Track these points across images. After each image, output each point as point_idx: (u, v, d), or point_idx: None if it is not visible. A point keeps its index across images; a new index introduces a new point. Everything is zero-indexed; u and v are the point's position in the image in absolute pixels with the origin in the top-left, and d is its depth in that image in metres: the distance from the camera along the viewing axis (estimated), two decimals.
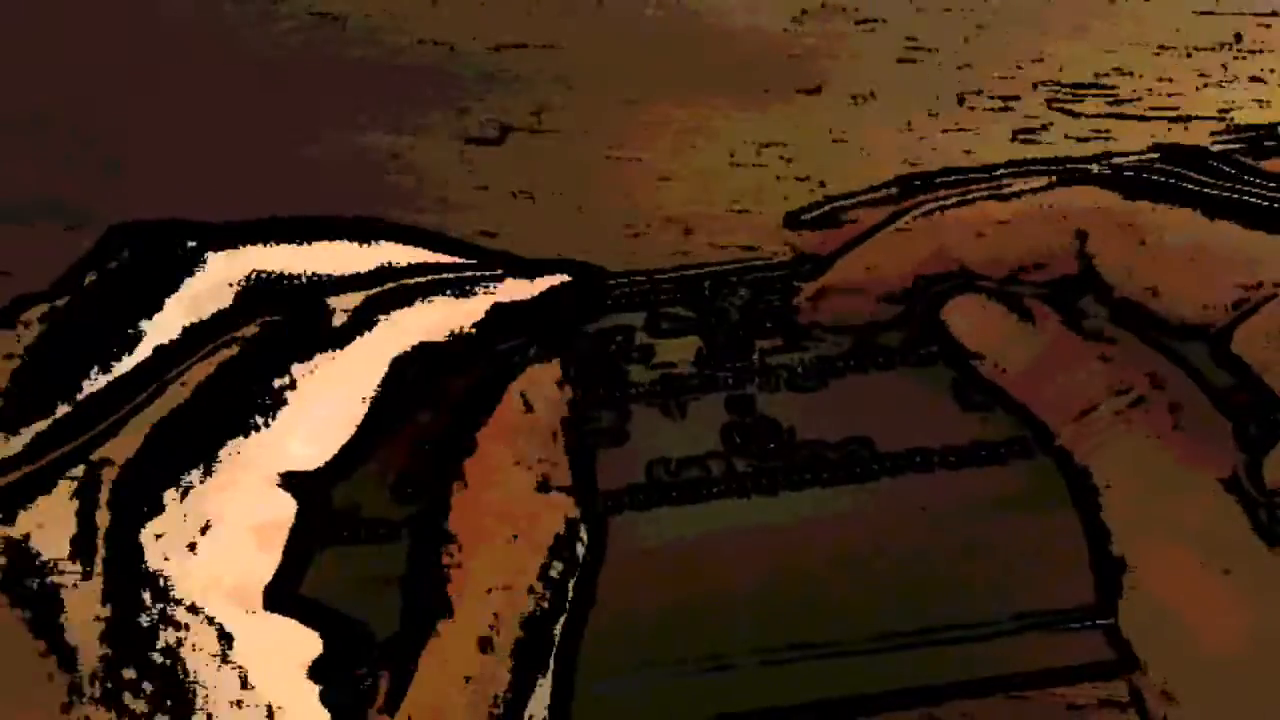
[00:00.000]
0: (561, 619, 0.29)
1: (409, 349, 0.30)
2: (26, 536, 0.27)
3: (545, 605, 0.28)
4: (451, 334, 0.30)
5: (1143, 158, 0.32)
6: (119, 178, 0.54)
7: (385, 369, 0.29)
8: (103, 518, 0.27)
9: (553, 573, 0.29)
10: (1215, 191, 0.30)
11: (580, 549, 0.29)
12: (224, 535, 0.27)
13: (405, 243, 0.31)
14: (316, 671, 0.28)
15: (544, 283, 0.31)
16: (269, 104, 0.56)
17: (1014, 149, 0.54)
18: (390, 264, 0.31)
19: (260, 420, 0.28)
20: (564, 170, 0.55)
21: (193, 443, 0.28)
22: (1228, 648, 0.28)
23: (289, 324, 0.29)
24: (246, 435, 0.28)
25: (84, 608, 0.26)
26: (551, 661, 0.28)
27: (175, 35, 0.57)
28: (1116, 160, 0.33)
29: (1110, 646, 0.31)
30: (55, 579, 0.27)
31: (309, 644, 0.28)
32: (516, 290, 0.31)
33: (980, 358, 0.31)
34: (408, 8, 0.57)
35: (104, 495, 0.27)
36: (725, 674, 0.32)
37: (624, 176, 0.54)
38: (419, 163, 0.55)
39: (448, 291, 0.30)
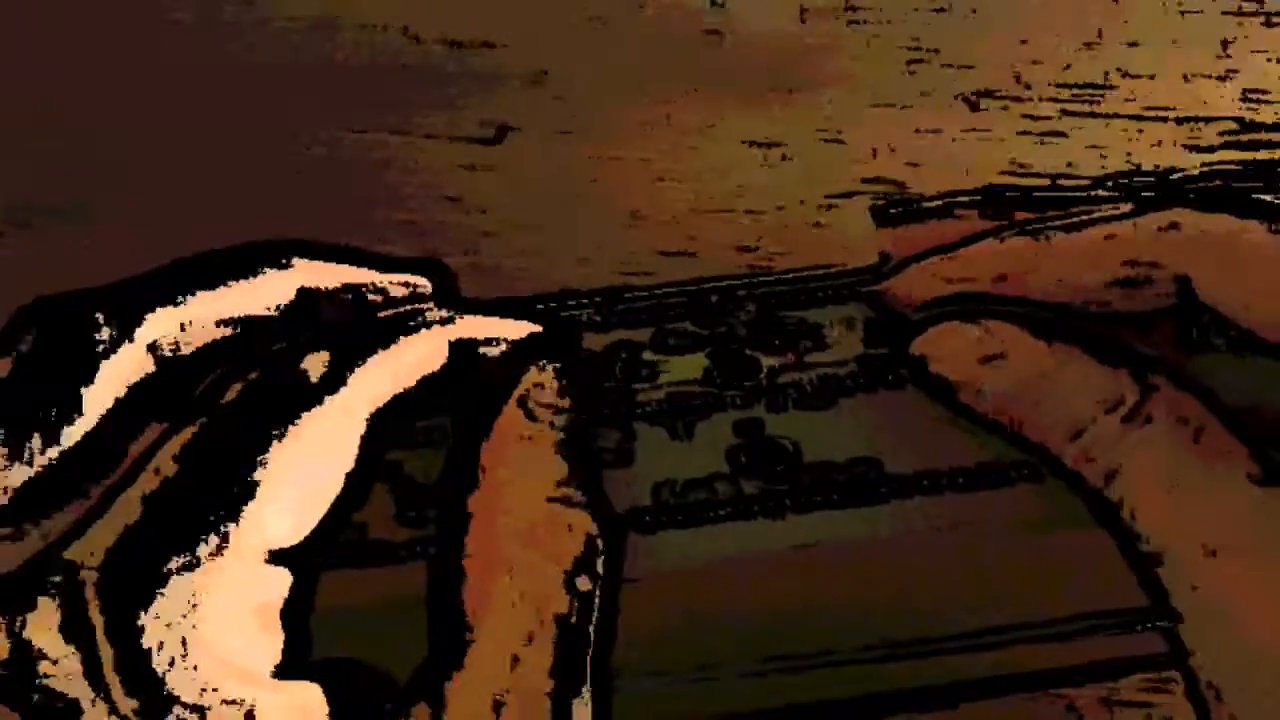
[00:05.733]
0: (592, 631, 0.28)
1: (383, 405, 0.29)
2: (26, 650, 0.26)
3: (575, 620, 0.28)
4: (420, 380, 0.30)
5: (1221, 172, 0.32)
6: (119, 178, 0.54)
7: (362, 430, 0.29)
8: (96, 621, 0.26)
9: (580, 586, 0.28)
10: None
11: (600, 562, 0.29)
12: (225, 621, 0.27)
13: (315, 259, 0.31)
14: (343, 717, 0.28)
15: (512, 327, 0.31)
16: (268, 104, 0.56)
17: (1015, 150, 0.54)
18: (313, 288, 0.30)
19: (241, 498, 0.28)
20: (564, 170, 0.55)
21: (175, 529, 0.27)
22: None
23: (264, 389, 0.29)
24: (230, 517, 0.28)
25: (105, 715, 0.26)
26: (588, 675, 0.28)
27: (175, 35, 0.57)
28: (1195, 173, 0.32)
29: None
30: (64, 689, 0.26)
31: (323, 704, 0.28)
32: (478, 328, 0.31)
33: (960, 387, 0.31)
34: (407, 8, 0.57)
35: (91, 599, 0.27)
36: (727, 682, 0.32)
37: (624, 176, 0.54)
38: (419, 163, 0.55)
39: (411, 326, 0.30)
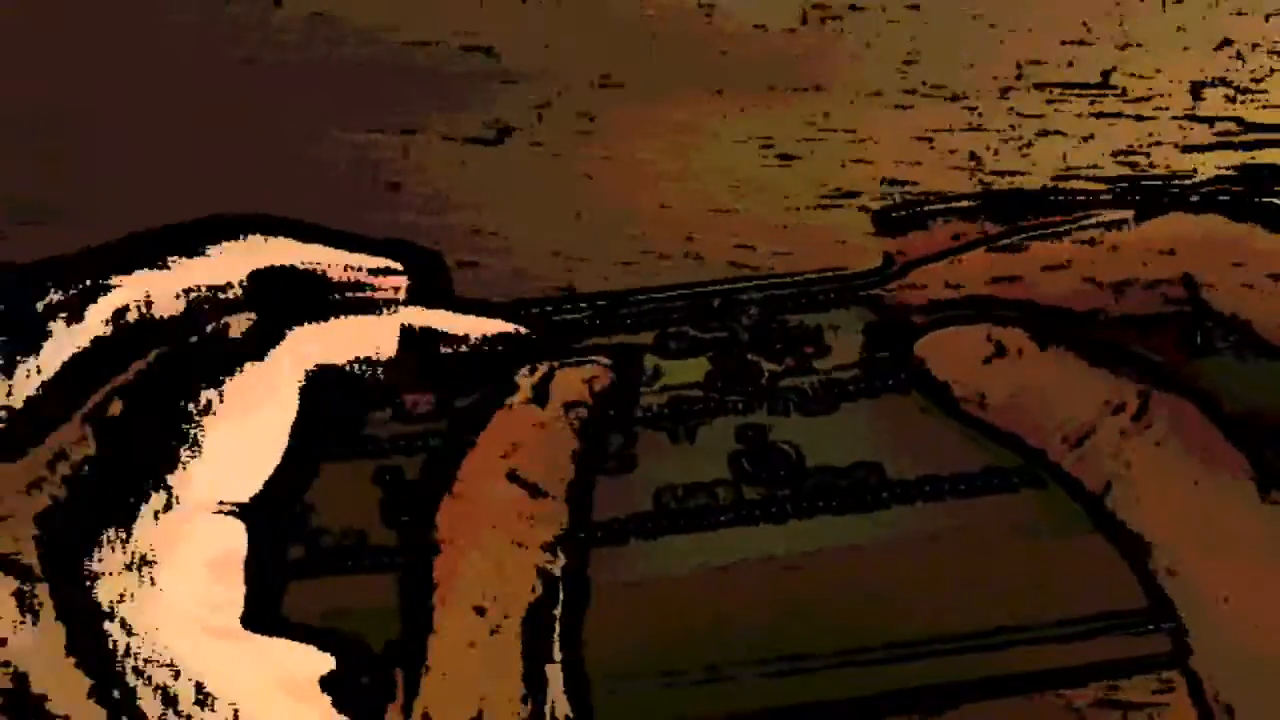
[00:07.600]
0: (558, 607, 0.29)
1: (313, 370, 0.29)
2: None
3: (540, 593, 0.28)
4: (360, 359, 0.30)
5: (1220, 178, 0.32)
6: (119, 178, 0.54)
7: (296, 388, 0.29)
8: (37, 572, 0.26)
9: (548, 567, 0.29)
10: None
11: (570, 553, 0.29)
12: (179, 573, 0.27)
13: (294, 238, 0.31)
14: (327, 685, 0.28)
15: (485, 325, 0.31)
16: (269, 104, 0.56)
17: (1015, 151, 0.54)
18: (277, 266, 0.30)
19: (184, 452, 0.28)
20: (564, 170, 0.55)
21: (116, 485, 0.27)
22: None
23: (191, 347, 0.29)
24: (172, 469, 0.28)
25: (57, 678, 0.26)
26: (557, 649, 0.29)
27: (175, 35, 0.57)
28: (1195, 181, 0.33)
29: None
30: (12, 656, 0.26)
31: (309, 661, 0.28)
32: (447, 322, 0.31)
33: (961, 392, 0.31)
34: (408, 8, 0.57)
35: (33, 553, 0.27)
36: (729, 685, 0.32)
37: (624, 176, 0.54)
38: (419, 163, 0.55)
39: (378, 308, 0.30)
